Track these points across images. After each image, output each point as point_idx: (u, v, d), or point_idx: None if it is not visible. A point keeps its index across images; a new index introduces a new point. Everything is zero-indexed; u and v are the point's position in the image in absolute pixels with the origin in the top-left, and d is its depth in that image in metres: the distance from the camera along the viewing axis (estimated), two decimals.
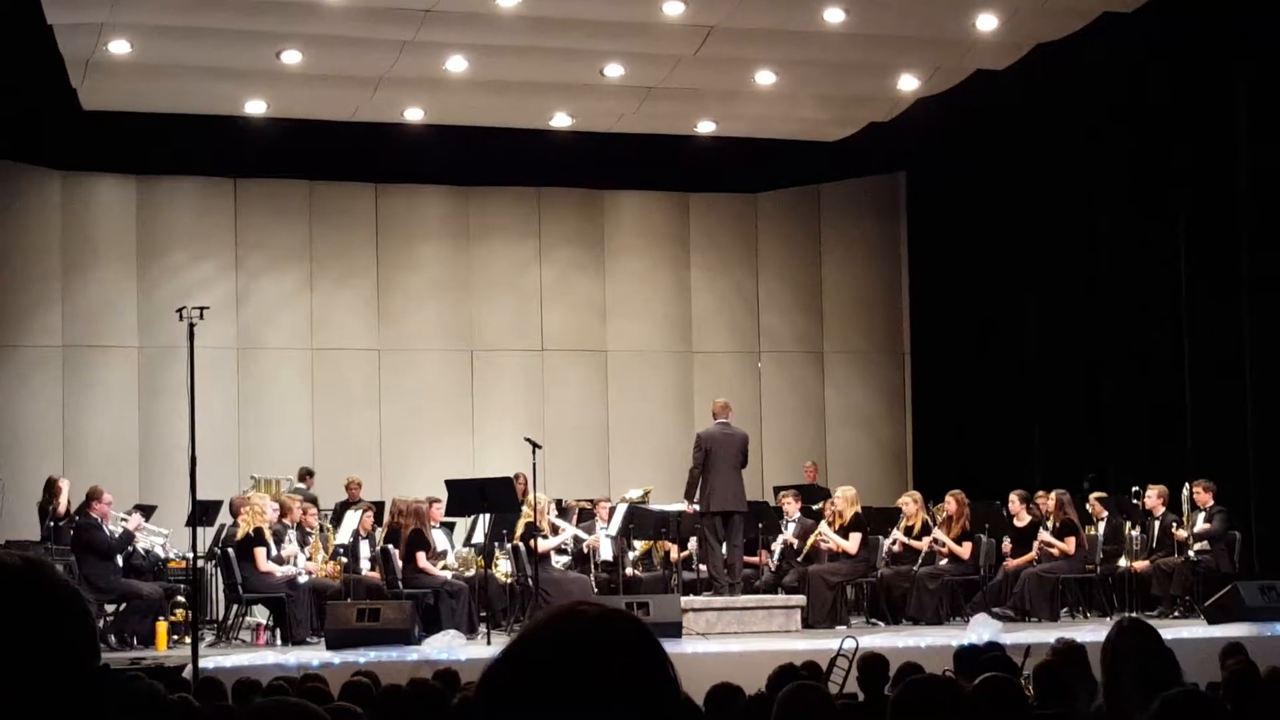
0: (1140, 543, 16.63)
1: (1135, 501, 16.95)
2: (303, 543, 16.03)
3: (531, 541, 15.39)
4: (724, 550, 15.69)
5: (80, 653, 1.97)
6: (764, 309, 22.98)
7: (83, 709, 1.93)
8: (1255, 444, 16.76)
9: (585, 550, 16.77)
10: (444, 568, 16.09)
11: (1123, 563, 16.59)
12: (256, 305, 21.20)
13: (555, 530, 16.34)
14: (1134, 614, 14.51)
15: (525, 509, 15.76)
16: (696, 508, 15.76)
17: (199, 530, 14.13)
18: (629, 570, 16.97)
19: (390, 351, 21.59)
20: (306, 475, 19.25)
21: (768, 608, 15.64)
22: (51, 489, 16.48)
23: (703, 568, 16.25)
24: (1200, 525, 16.18)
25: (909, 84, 18.92)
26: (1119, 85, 18.41)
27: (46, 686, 1.92)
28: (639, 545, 17.46)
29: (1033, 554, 16.55)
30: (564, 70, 18.29)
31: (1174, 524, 16.38)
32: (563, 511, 17.19)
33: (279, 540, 15.62)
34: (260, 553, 15.19)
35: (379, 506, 17.42)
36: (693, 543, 16.84)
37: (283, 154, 20.24)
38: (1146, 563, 16.37)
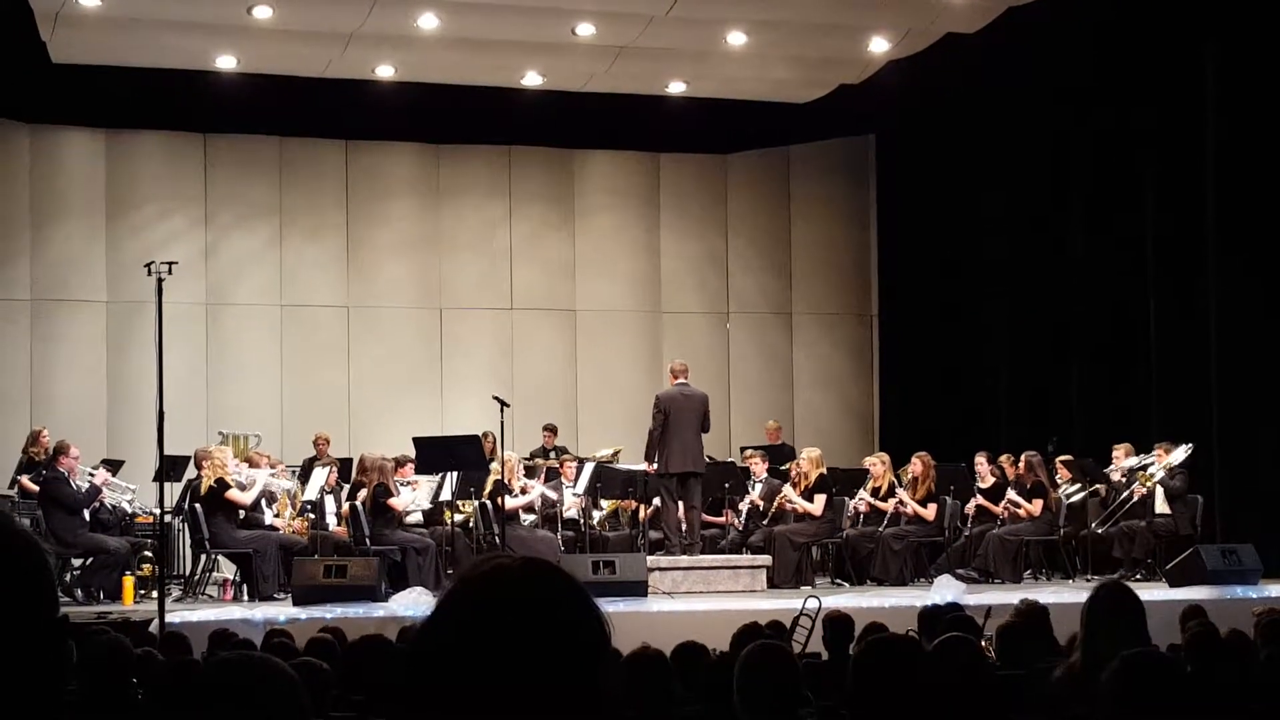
0: (1102, 505, 16.74)
1: (1100, 467, 17.06)
2: (270, 500, 16.02)
3: (500, 499, 15.41)
4: (680, 510, 15.73)
5: (38, 603, 1.94)
6: (733, 270, 22.99)
7: (41, 660, 1.92)
8: (1219, 408, 16.86)
9: (553, 510, 16.78)
10: (415, 524, 16.05)
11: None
12: (226, 261, 21.13)
13: (524, 489, 16.36)
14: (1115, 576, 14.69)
15: (495, 466, 15.77)
16: (655, 468, 15.78)
17: (166, 485, 14.10)
18: (596, 529, 17.01)
19: (359, 308, 21.54)
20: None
21: (733, 567, 15.70)
22: (37, 440, 16.58)
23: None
24: (1159, 482, 16.27)
25: (880, 46, 18.91)
26: (1089, 50, 18.43)
27: (2, 637, 1.90)
28: (605, 504, 17.47)
29: (1001, 511, 16.66)
30: (535, 29, 18.21)
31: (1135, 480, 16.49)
32: (529, 470, 17.20)
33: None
34: (233, 494, 15.14)
35: (346, 463, 17.41)
36: (656, 502, 16.90)
37: (253, 109, 20.13)
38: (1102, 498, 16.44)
